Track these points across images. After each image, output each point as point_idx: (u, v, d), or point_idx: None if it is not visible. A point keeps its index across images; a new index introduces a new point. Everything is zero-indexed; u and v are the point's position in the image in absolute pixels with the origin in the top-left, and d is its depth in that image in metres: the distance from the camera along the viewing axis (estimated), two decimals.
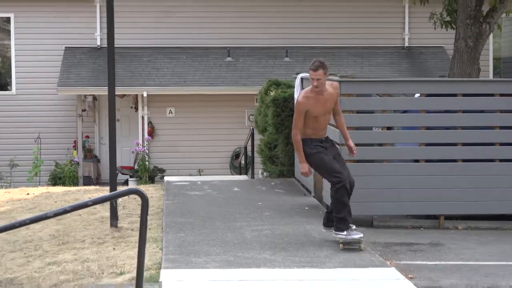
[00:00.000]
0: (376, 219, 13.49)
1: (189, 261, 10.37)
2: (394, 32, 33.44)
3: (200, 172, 28.11)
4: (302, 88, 16.54)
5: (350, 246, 11.13)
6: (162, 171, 30.12)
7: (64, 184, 27.48)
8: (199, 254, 10.60)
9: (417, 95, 14.22)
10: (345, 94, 13.42)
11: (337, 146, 11.72)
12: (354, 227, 11.20)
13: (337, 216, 11.08)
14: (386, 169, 13.59)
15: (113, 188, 13.28)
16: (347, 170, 11.36)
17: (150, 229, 11.80)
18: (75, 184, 28.72)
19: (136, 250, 10.34)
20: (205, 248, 11.06)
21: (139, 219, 13.28)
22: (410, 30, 33.33)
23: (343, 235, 11.04)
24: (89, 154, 31.99)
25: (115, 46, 13.71)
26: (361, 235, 11.07)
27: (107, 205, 13.52)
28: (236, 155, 29.83)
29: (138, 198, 9.20)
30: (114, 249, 11.77)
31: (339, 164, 11.28)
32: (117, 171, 22.29)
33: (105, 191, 17.49)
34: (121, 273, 10.19)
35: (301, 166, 11.28)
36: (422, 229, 13.41)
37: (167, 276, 9.40)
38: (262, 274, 9.78)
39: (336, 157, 11.40)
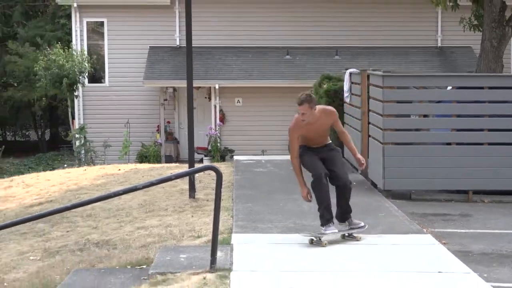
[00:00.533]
0: (413, 193, 13.38)
1: (255, 227, 10.40)
2: (428, 34, 33.15)
3: (263, 152, 28.11)
4: (351, 81, 16.50)
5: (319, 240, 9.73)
6: (231, 151, 30.21)
7: (149, 162, 27.74)
8: (263, 221, 10.63)
9: (449, 87, 14.11)
10: (387, 87, 13.36)
11: (337, 150, 10.31)
12: (332, 223, 9.84)
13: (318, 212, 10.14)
14: (422, 151, 13.48)
15: (191, 165, 13.38)
16: (340, 170, 10.04)
17: (222, 200, 11.81)
18: (158, 161, 28.94)
19: (211, 217, 10.40)
20: (268, 216, 11.09)
21: (213, 191, 13.36)
22: (443, 33, 33.02)
23: (321, 230, 9.81)
24: (170, 137, 32.19)
25: (192, 46, 13.82)
26: (335, 230, 9.80)
27: (186, 179, 13.60)
28: None
29: (213, 174, 9.25)
30: (192, 216, 11.86)
31: (329, 164, 9.98)
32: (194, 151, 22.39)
33: (184, 168, 17.57)
34: (199, 237, 10.26)
35: (301, 190, 10.10)
36: (453, 202, 13.29)
37: (237, 239, 9.44)
38: None
39: (329, 157, 10.08)
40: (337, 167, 10.03)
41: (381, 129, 13.38)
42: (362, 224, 9.91)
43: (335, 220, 9.85)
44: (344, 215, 9.93)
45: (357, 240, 9.58)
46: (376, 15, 32.62)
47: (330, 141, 10.26)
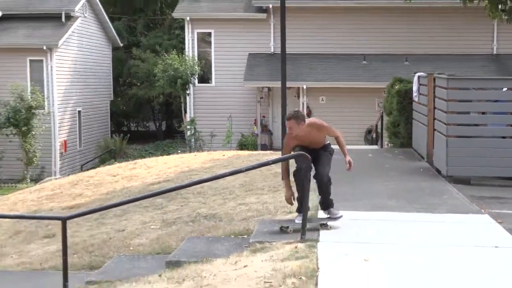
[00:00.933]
0: (472, 179, 13.09)
1: (337, 205, 10.36)
2: (485, 43, 32.64)
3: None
4: (419, 83, 16.28)
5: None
6: None
7: (247, 149, 27.96)
8: (344, 201, 10.57)
9: (504, 89, 13.78)
10: (451, 88, 13.15)
11: (329, 151, 9.53)
12: (298, 213, 9.30)
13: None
14: (480, 143, 13.18)
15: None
16: (321, 167, 9.32)
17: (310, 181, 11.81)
18: (255, 149, 29.18)
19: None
20: (347, 196, 11.02)
21: None
22: (498, 41, 32.43)
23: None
24: (265, 129, 32.42)
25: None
26: (299, 221, 9.00)
27: (279, 163, 13.58)
28: (369, 131, 29.58)
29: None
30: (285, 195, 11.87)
31: (316, 162, 9.27)
32: None
33: (277, 155, 17.57)
34: (290, 212, 10.26)
35: (285, 192, 9.49)
36: (507, 187, 12.97)
37: (322, 215, 9.40)
38: (390, 215, 9.69)
39: (318, 157, 9.34)
40: (319, 165, 9.37)
41: (445, 124, 13.17)
42: (340, 215, 9.32)
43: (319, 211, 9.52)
44: (325, 206, 9.40)
45: (328, 229, 8.76)
46: (439, 26, 32.37)
47: (328, 142, 9.62)
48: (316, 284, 6.24)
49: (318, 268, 6.72)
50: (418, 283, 6.48)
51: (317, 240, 7.94)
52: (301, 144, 9.37)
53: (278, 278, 6.45)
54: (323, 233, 8.29)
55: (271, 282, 6.35)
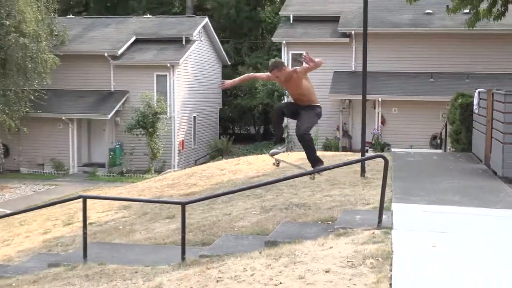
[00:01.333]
0: None
1: (408, 199, 10.12)
2: None
3: (411, 147, 27.45)
4: (479, 98, 15.80)
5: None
6: (388, 145, 29.74)
7: (330, 150, 27.75)
8: (414, 195, 10.33)
9: None
10: (508, 102, 12.66)
11: (315, 110, 8.76)
12: (279, 145, 9.31)
13: None
14: None
15: (363, 154, 13.22)
16: (301, 122, 8.57)
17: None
18: (337, 150, 28.94)
19: (377, 190, 10.25)
20: (417, 192, 10.76)
21: (377, 172, 13.20)
22: None
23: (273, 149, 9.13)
24: (346, 134, 32.18)
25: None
26: (277, 150, 9.16)
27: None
28: (433, 137, 28.95)
29: (377, 160, 9.06)
30: (363, 189, 11.71)
31: (299, 117, 8.69)
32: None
33: (356, 156, 17.41)
34: (368, 204, 10.12)
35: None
36: None
37: (395, 206, 9.22)
38: (455, 209, 9.40)
39: (302, 113, 8.69)
40: (300, 120, 8.58)
41: (502, 132, 12.70)
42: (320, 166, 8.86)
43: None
44: (310, 162, 8.93)
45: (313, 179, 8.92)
46: (497, 49, 31.66)
47: (317, 104, 8.79)
48: (391, 265, 6.12)
49: (392, 251, 6.59)
50: (480, 266, 6.27)
51: (391, 228, 7.78)
52: (289, 92, 8.86)
53: (358, 258, 6.36)
54: (396, 222, 8.11)
55: (353, 261, 6.26)
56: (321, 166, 8.93)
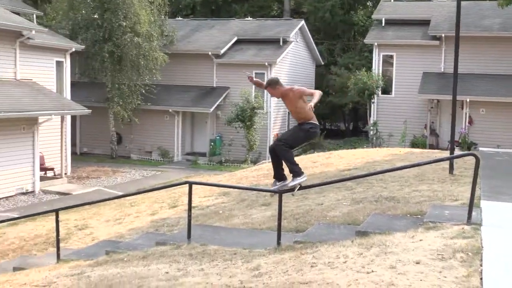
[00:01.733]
0: None
1: (496, 197, 9.69)
2: None
3: (498, 146, 26.38)
4: None
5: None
6: (475, 144, 28.69)
7: (418, 148, 27.05)
8: (502, 194, 9.89)
9: None
10: None
11: (301, 129, 8.40)
12: (276, 181, 8.79)
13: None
14: None
15: (452, 152, 12.77)
16: (281, 137, 8.45)
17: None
18: (424, 148, 28.23)
19: (465, 187, 9.90)
20: (506, 191, 10.30)
21: (464, 170, 12.74)
22: None
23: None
24: (433, 132, 31.35)
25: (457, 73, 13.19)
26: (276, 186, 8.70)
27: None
28: None
29: (465, 158, 8.70)
30: (451, 186, 11.30)
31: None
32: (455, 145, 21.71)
33: (444, 153, 16.87)
34: (456, 200, 9.75)
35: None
36: None
37: (484, 204, 8.85)
38: None
39: (291, 130, 8.69)
40: (282, 135, 8.54)
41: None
42: (296, 183, 8.45)
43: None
44: (290, 172, 8.47)
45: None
46: None
47: (309, 121, 8.38)
48: (481, 260, 5.87)
49: (482, 247, 6.31)
50: None
51: (480, 224, 7.46)
52: (287, 107, 8.59)
53: (448, 252, 6.13)
54: (485, 218, 7.78)
55: (443, 254, 6.05)
56: (303, 182, 8.51)
